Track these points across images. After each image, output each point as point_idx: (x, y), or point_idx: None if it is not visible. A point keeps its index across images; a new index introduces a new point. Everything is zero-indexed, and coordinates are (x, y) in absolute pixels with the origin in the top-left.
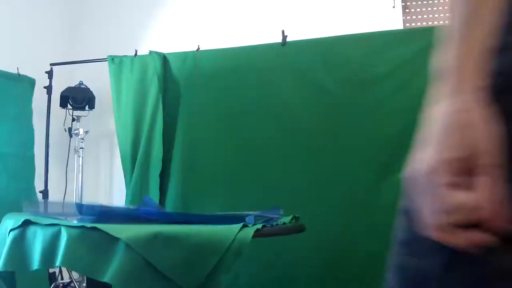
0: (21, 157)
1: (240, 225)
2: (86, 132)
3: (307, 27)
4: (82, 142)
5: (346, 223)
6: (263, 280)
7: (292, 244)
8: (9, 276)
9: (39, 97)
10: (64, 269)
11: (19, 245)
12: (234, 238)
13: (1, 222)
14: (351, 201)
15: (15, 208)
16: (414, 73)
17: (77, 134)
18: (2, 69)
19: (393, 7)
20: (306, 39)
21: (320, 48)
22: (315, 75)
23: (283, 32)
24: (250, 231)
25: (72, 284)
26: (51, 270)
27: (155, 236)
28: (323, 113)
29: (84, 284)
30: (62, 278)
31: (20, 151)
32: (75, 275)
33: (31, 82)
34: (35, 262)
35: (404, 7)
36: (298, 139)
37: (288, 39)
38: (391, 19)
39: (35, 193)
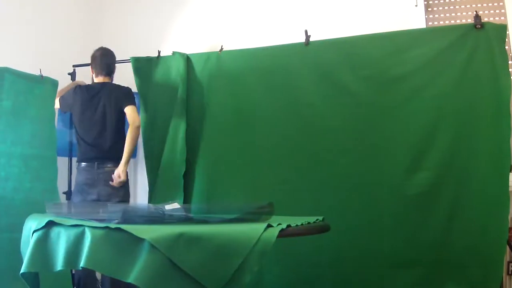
0: (43, 158)
1: (265, 225)
2: None
3: (330, 27)
4: None
5: (370, 223)
6: (288, 280)
7: (316, 244)
8: (33, 277)
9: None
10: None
11: (43, 246)
12: (259, 238)
13: (25, 223)
14: (375, 201)
15: (39, 208)
16: (437, 72)
17: None
18: (24, 70)
19: (416, 6)
20: (329, 39)
21: (343, 48)
22: (338, 74)
23: (306, 32)
24: (274, 231)
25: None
26: (74, 271)
27: (180, 236)
28: (346, 112)
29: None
30: None
31: (43, 152)
32: (98, 275)
33: (54, 84)
34: (59, 263)
35: (427, 6)
36: (321, 139)
37: (311, 39)
38: (413, 18)
39: (57, 193)
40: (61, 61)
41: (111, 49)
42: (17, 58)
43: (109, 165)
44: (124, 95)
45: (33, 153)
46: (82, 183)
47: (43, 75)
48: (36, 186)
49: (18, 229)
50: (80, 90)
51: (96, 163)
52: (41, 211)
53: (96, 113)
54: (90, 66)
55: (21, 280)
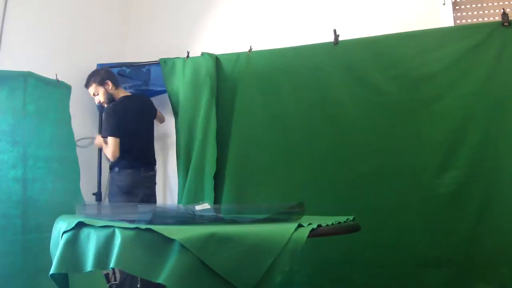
0: (64, 159)
1: (296, 225)
2: None
3: (358, 26)
4: None
5: (399, 222)
6: (317, 280)
7: (347, 244)
8: (62, 278)
9: (91, 100)
10: (117, 270)
11: (72, 247)
12: (290, 238)
13: (54, 224)
14: (405, 200)
15: (62, 209)
16: (465, 70)
17: None
18: (50, 72)
19: (443, 4)
20: (358, 38)
21: (371, 47)
22: (367, 74)
23: (335, 31)
24: (305, 231)
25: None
26: (104, 272)
27: (211, 237)
28: (374, 112)
29: (138, 285)
30: (115, 280)
31: (63, 153)
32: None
33: (68, 88)
34: (89, 264)
35: (454, 4)
36: (350, 138)
37: (339, 39)
38: (441, 16)
39: (81, 194)
40: (88, 62)
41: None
42: (42, 59)
43: (152, 171)
44: (152, 104)
45: (54, 155)
46: (129, 185)
47: (61, 79)
48: (59, 187)
49: (44, 229)
50: (129, 101)
51: (142, 168)
52: (64, 211)
53: (143, 124)
54: (106, 80)
55: (48, 280)
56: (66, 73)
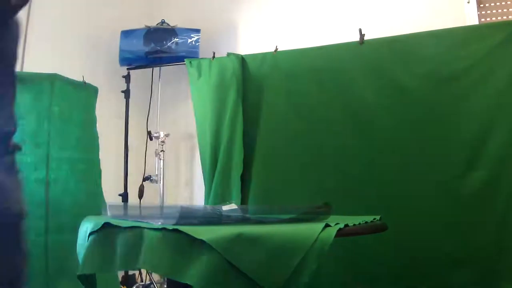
0: (87, 161)
1: (323, 224)
2: (167, 135)
3: (383, 25)
4: (162, 145)
5: (425, 221)
6: (345, 280)
7: (373, 244)
8: (89, 279)
9: (117, 101)
10: (143, 271)
11: (99, 248)
12: (317, 238)
13: (80, 225)
14: (432, 199)
15: (84, 210)
16: (491, 68)
17: (157, 137)
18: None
19: (468, 2)
20: (383, 37)
21: (397, 46)
22: (393, 73)
23: (360, 30)
24: (332, 231)
25: (152, 286)
26: (130, 272)
27: (238, 237)
28: (401, 111)
29: (164, 286)
30: (142, 280)
31: (87, 155)
32: (155, 276)
33: (95, 90)
34: (115, 264)
35: (479, 2)
36: (376, 138)
37: (365, 38)
38: (466, 15)
39: (102, 195)
40: (115, 63)
41: None
42: (68, 61)
43: None
44: None
45: (78, 157)
46: None
47: (88, 81)
48: (81, 189)
49: (66, 230)
50: None
51: None
52: (87, 213)
53: None
54: None
55: (70, 281)
56: (92, 75)
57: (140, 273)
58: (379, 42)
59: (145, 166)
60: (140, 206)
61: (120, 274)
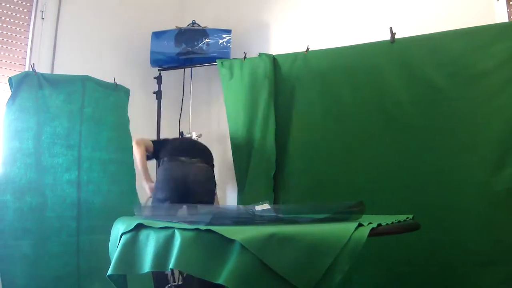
0: (120, 162)
1: (356, 224)
2: (199, 136)
3: (413, 24)
4: None
5: (457, 220)
6: (378, 279)
7: (406, 243)
8: (120, 280)
9: (149, 102)
10: (176, 271)
11: (131, 249)
12: (350, 238)
13: (113, 226)
14: (462, 198)
15: (117, 211)
16: None
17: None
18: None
19: (498, 0)
20: (414, 36)
21: (427, 45)
22: (424, 71)
23: (391, 29)
24: (365, 230)
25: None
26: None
27: (271, 237)
28: (432, 109)
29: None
30: (174, 281)
31: (119, 157)
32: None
33: (126, 92)
34: (147, 265)
35: (508, 0)
36: (408, 136)
37: (395, 37)
38: (496, 12)
39: (136, 196)
40: (145, 64)
41: None
42: (100, 63)
43: None
44: None
45: (110, 158)
46: None
47: (119, 82)
48: (114, 190)
49: (97, 231)
50: None
51: None
52: (119, 213)
53: None
54: None
55: (102, 281)
56: (124, 76)
57: (173, 273)
58: (410, 40)
59: None
60: (172, 207)
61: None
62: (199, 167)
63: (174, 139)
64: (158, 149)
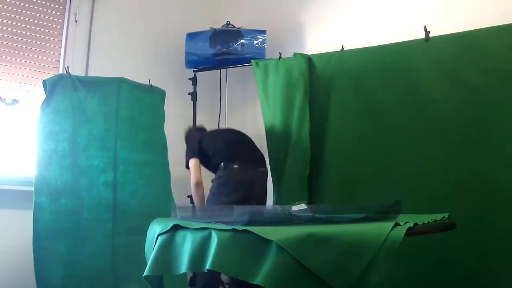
0: (155, 164)
1: (393, 223)
2: None
3: (447, 22)
4: None
5: (495, 219)
6: (415, 279)
7: (443, 243)
8: (157, 280)
9: (184, 104)
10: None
11: (167, 250)
12: (387, 237)
13: (149, 227)
14: (500, 198)
15: (153, 212)
16: None
17: None
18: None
19: None
20: (448, 34)
21: (462, 42)
22: (459, 69)
23: (425, 27)
24: (402, 230)
25: (220, 287)
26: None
27: (308, 237)
28: (467, 108)
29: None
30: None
31: (154, 158)
32: (223, 277)
33: (162, 93)
34: (183, 265)
35: None
36: (443, 135)
37: (430, 35)
38: None
39: (172, 197)
40: (182, 68)
41: None
42: (136, 65)
43: None
44: None
45: (146, 159)
46: None
47: (155, 84)
48: (150, 191)
49: (133, 232)
50: None
51: None
52: (155, 215)
53: None
54: None
55: (137, 282)
56: (158, 78)
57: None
58: (444, 38)
59: None
60: (209, 208)
61: (189, 275)
62: (262, 172)
63: (220, 135)
64: (205, 157)
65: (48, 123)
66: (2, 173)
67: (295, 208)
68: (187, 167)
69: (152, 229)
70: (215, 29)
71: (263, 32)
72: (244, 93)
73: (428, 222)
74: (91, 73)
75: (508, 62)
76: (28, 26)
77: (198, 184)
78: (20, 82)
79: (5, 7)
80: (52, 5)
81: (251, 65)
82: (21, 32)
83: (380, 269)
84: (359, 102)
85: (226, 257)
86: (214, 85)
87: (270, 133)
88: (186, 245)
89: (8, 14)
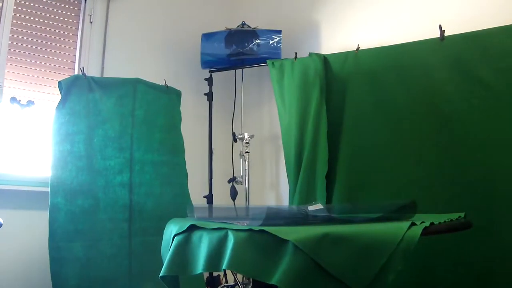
0: (172, 164)
1: (409, 223)
2: (251, 136)
3: (463, 20)
4: (247, 146)
5: (508, 220)
6: (430, 279)
7: (458, 242)
8: (173, 281)
9: (200, 104)
10: (228, 272)
11: (184, 250)
12: (403, 237)
13: (165, 228)
14: None
15: (169, 213)
16: None
17: (242, 139)
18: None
19: None
20: (464, 33)
21: (478, 41)
22: (475, 68)
23: (440, 27)
24: (418, 229)
25: (236, 287)
26: (215, 273)
27: (324, 237)
28: (483, 106)
29: (249, 287)
30: (226, 281)
31: (171, 158)
32: (239, 277)
33: (178, 94)
34: (200, 266)
35: None
36: (459, 134)
37: (445, 34)
38: None
39: (189, 197)
40: (198, 69)
41: None
42: (152, 65)
43: None
44: None
45: (162, 159)
46: None
47: (170, 85)
48: (166, 192)
49: (149, 232)
50: None
51: None
52: (172, 215)
53: None
54: None
55: (154, 282)
56: (174, 78)
57: (225, 274)
58: (459, 37)
59: (233, 168)
60: (225, 208)
61: (205, 275)
62: None
63: None
64: None
65: (63, 124)
66: (18, 174)
67: (311, 208)
68: None
69: (168, 229)
70: (230, 29)
71: (278, 32)
72: (260, 94)
73: (444, 221)
74: (107, 74)
75: None
76: (43, 28)
77: None
78: (35, 84)
79: (20, 8)
80: (67, 6)
81: (266, 65)
82: (36, 33)
83: (396, 268)
84: (375, 101)
85: (243, 257)
86: (229, 86)
87: (286, 134)
88: (203, 245)
89: (23, 16)
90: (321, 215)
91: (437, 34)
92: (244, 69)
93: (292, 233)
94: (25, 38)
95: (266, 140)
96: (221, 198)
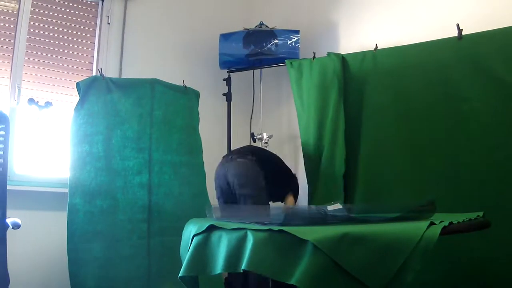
0: (190, 164)
1: (427, 222)
2: (270, 137)
3: (480, 19)
4: (266, 146)
5: None
6: (449, 279)
7: (477, 242)
8: (192, 281)
9: (219, 104)
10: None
11: (203, 250)
12: (422, 236)
13: (185, 228)
14: None
15: (188, 213)
16: None
17: (260, 139)
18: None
19: None
20: (481, 32)
21: (496, 39)
22: (493, 67)
23: (458, 26)
24: (437, 229)
25: None
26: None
27: (343, 237)
28: (501, 106)
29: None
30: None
31: (189, 159)
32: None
33: (196, 94)
34: (219, 266)
35: None
36: (477, 133)
37: (463, 33)
38: None
39: (207, 197)
40: (216, 69)
41: None
42: (170, 66)
43: None
44: None
45: (181, 160)
46: None
47: (189, 85)
48: (185, 192)
49: (168, 232)
50: None
51: None
52: (190, 216)
53: None
54: None
55: (173, 282)
56: (193, 79)
57: (245, 275)
58: (477, 36)
59: None
60: (244, 208)
61: (224, 275)
62: (238, 162)
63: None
64: None
65: (82, 125)
66: (36, 176)
67: (330, 207)
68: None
69: (187, 229)
70: (248, 29)
71: (296, 32)
72: (278, 94)
73: (463, 221)
74: (125, 75)
75: None
76: (61, 29)
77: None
78: (53, 85)
79: (37, 10)
80: (85, 7)
81: (285, 65)
82: (53, 35)
83: (415, 268)
84: (393, 101)
85: (262, 257)
86: (248, 86)
87: (305, 133)
88: (222, 245)
89: (40, 17)
90: (340, 215)
91: (454, 33)
92: (263, 69)
93: (311, 233)
94: (42, 39)
95: (284, 140)
96: None
